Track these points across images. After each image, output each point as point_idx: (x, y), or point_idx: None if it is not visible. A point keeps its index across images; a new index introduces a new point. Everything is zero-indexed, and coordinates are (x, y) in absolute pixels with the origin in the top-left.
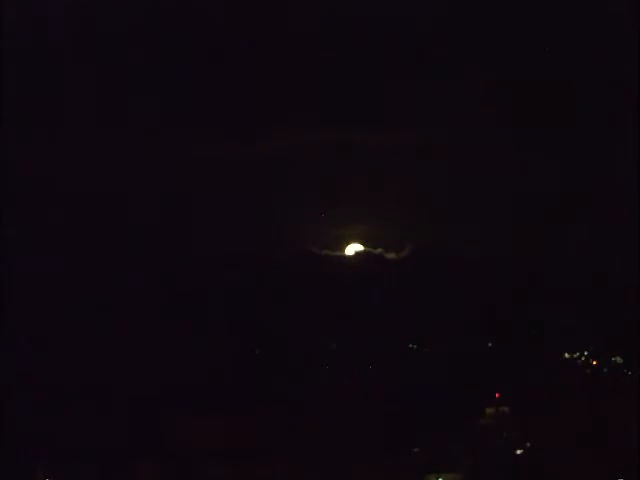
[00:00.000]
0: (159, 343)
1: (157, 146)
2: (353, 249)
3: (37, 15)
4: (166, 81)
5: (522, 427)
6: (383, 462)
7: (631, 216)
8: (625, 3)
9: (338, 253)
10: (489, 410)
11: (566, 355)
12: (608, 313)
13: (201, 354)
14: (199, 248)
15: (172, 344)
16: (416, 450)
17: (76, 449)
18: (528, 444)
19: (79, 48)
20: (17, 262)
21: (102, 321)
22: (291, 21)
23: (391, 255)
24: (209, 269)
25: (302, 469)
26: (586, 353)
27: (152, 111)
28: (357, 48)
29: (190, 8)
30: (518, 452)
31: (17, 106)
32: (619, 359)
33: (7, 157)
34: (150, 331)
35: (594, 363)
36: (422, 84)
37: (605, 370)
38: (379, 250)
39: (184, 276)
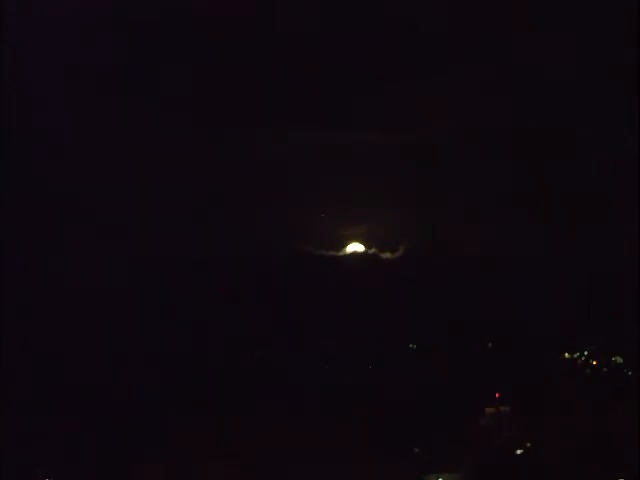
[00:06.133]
0: (158, 343)
1: (156, 145)
2: (353, 249)
3: (37, 14)
4: (166, 81)
5: (522, 427)
6: (383, 462)
7: (631, 216)
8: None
9: (338, 253)
10: (489, 410)
11: (566, 355)
12: (608, 313)
13: (200, 354)
14: (199, 248)
15: (171, 344)
16: (416, 450)
17: (76, 449)
18: (528, 444)
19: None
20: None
21: (102, 320)
22: (291, 21)
23: (391, 255)
24: (209, 269)
25: (302, 469)
26: (586, 353)
27: (151, 111)
28: (357, 48)
29: (191, 7)
30: (518, 452)
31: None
32: (619, 359)
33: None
34: (150, 331)
35: (594, 363)
36: (422, 84)
37: (605, 370)
38: (379, 250)
39: (184, 276)
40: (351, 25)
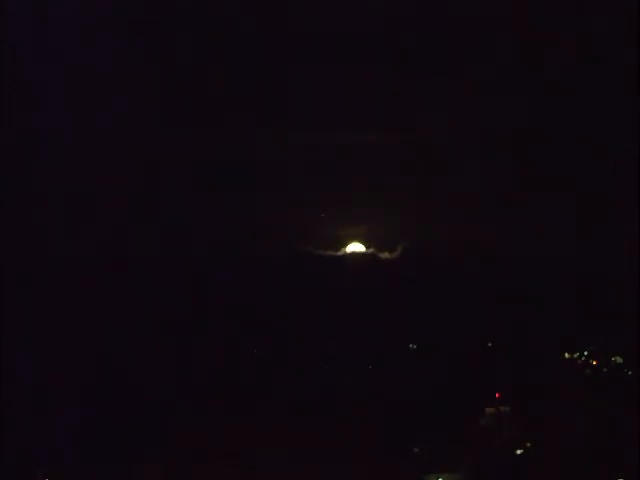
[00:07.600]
0: (159, 342)
1: (157, 145)
2: (353, 249)
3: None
4: (165, 81)
5: (522, 427)
6: (383, 462)
7: (631, 216)
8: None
9: (338, 253)
10: (489, 410)
11: (566, 355)
12: (608, 313)
13: (200, 354)
14: (199, 248)
15: (171, 344)
16: (416, 450)
17: (76, 449)
18: (528, 444)
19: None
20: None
21: (102, 320)
22: (292, 21)
23: (391, 255)
24: (209, 269)
25: (302, 469)
26: (586, 353)
27: (151, 111)
28: (357, 48)
29: (189, 5)
30: (518, 452)
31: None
32: (619, 359)
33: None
34: (150, 331)
35: (594, 363)
36: (422, 84)
37: (605, 370)
38: (379, 250)
39: (184, 276)
40: (351, 25)
